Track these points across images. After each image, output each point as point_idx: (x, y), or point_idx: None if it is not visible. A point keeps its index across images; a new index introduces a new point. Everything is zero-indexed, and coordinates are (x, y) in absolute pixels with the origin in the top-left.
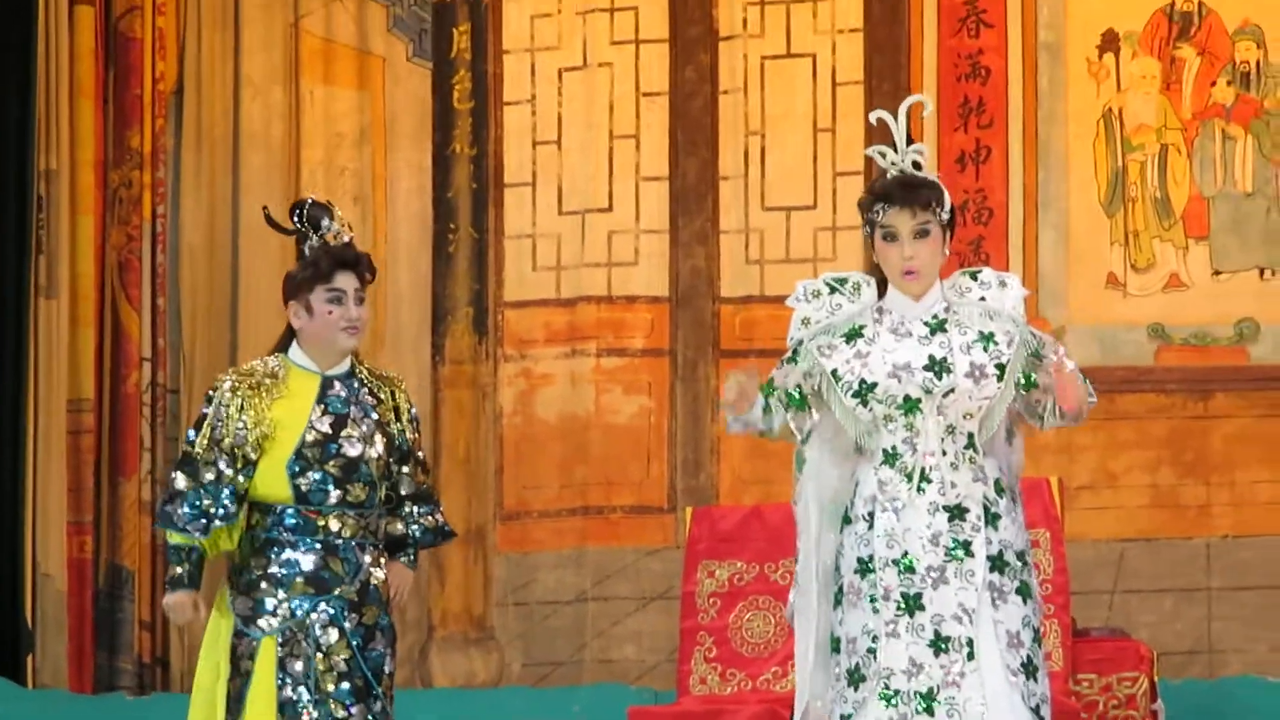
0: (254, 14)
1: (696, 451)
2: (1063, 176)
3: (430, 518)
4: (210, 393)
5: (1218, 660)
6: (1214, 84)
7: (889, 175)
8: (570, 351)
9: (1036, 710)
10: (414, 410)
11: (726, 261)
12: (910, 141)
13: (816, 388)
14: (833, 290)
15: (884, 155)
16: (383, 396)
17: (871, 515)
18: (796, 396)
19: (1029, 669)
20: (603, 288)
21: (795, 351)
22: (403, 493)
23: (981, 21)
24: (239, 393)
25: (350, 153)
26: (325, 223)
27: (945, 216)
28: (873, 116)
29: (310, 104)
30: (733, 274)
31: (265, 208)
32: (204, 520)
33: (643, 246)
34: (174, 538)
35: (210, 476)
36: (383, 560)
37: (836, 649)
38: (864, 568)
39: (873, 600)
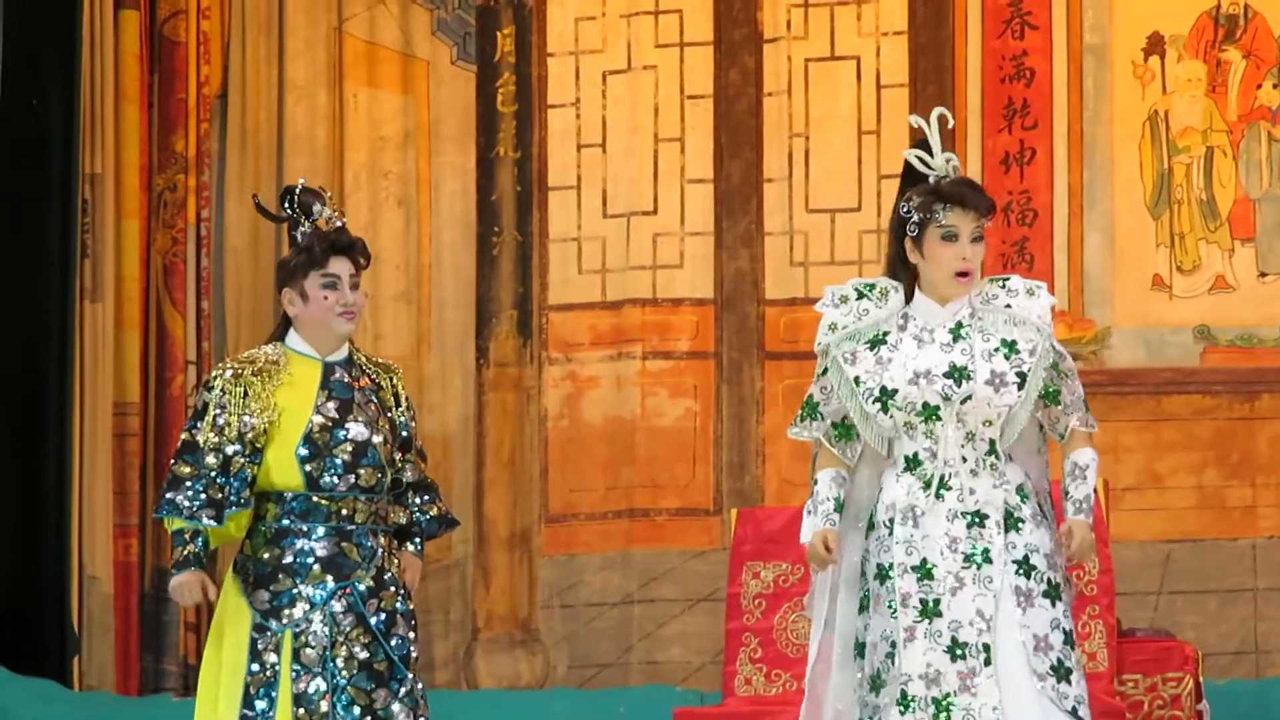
0: (297, 18)
1: (742, 454)
2: (1108, 178)
3: (434, 506)
4: (210, 380)
5: (1264, 660)
6: (1259, 86)
7: (937, 178)
8: (616, 354)
9: (1074, 712)
10: (409, 399)
11: (771, 264)
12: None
13: (840, 396)
14: (860, 295)
15: (923, 161)
16: (382, 383)
17: (892, 522)
18: (842, 427)
19: (1060, 671)
20: (648, 290)
21: (826, 359)
22: (406, 480)
23: (1026, 24)
24: (242, 379)
25: (394, 155)
26: (316, 208)
27: (989, 225)
28: (911, 120)
29: (354, 107)
30: (777, 276)
31: (255, 195)
32: (213, 509)
33: (687, 249)
34: (176, 524)
35: (214, 462)
36: (395, 545)
37: (861, 654)
38: (883, 574)
39: (891, 606)
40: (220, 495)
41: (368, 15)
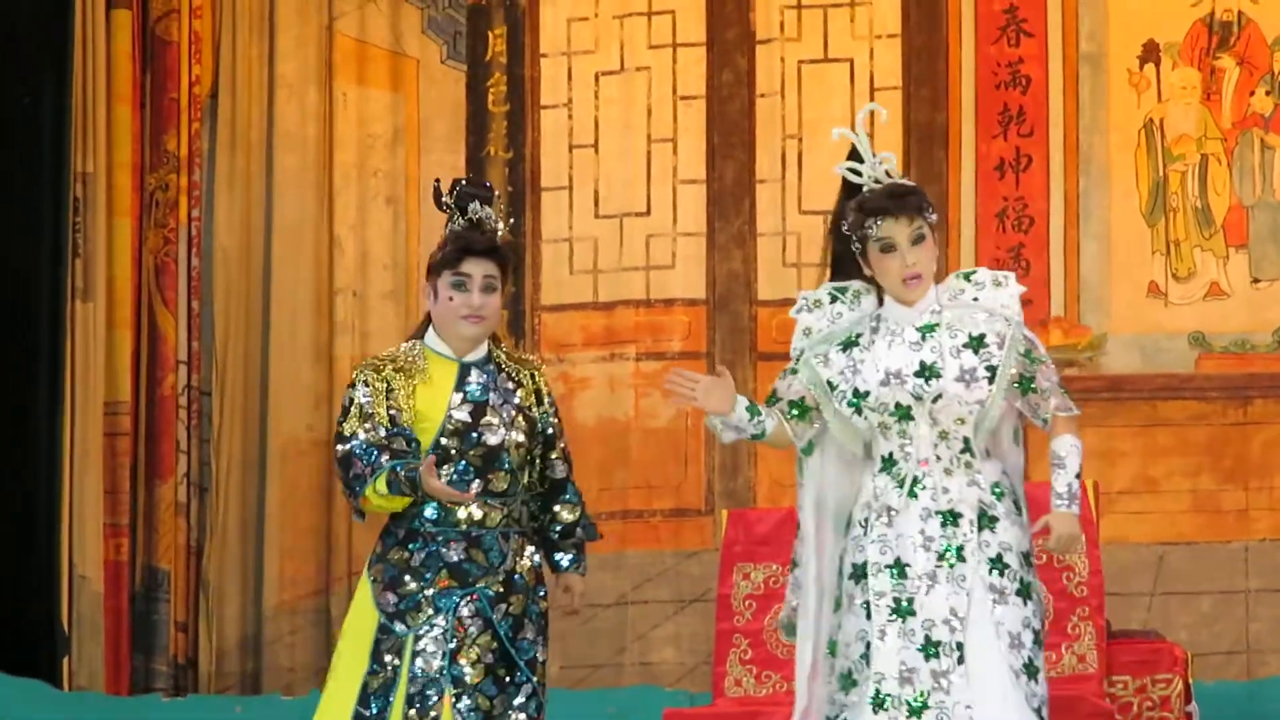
0: (289, 16)
1: (734, 455)
2: (1104, 186)
3: (586, 513)
4: (353, 378)
5: (1255, 661)
6: (1253, 93)
7: (868, 188)
8: (609, 355)
9: (1039, 711)
10: (550, 395)
11: (764, 264)
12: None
13: (815, 399)
14: (834, 299)
15: (855, 172)
16: (523, 380)
17: (867, 521)
18: (799, 407)
19: (1030, 670)
20: (640, 291)
21: (798, 361)
22: (560, 478)
23: (1022, 31)
24: (383, 374)
25: (383, 154)
26: (472, 207)
27: (934, 219)
28: (834, 133)
29: (343, 105)
30: (770, 277)
31: (437, 180)
32: (388, 452)
33: (680, 250)
34: (379, 485)
35: (370, 436)
36: (528, 546)
37: (833, 653)
38: (859, 573)
39: (866, 605)
40: (389, 448)
41: (358, 13)
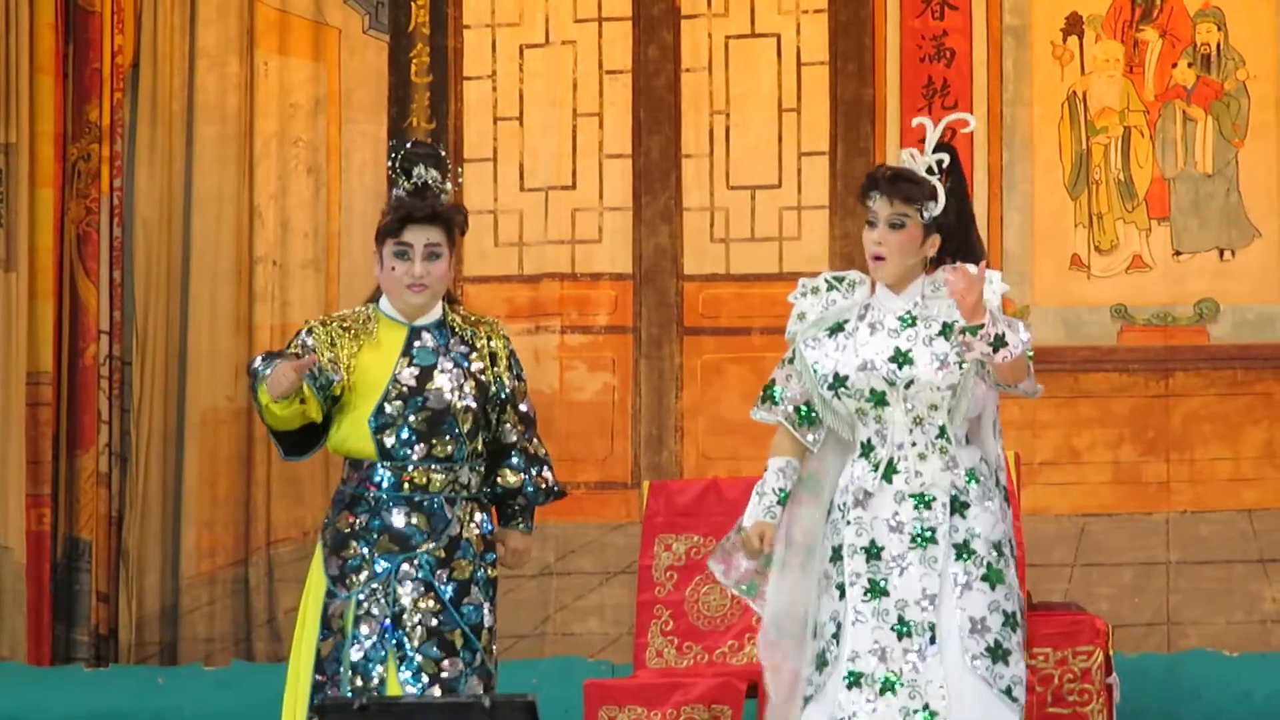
0: None
1: (660, 428)
2: (1028, 159)
3: (540, 477)
4: (301, 328)
5: (1176, 633)
6: (1175, 66)
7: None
8: (534, 328)
9: (1008, 692)
10: (515, 355)
11: (691, 239)
12: (941, 148)
13: (808, 394)
14: (830, 287)
15: (913, 157)
16: (478, 344)
17: (845, 506)
18: (805, 413)
19: (996, 653)
20: (566, 265)
21: (793, 348)
22: (509, 442)
23: (946, 4)
24: (330, 329)
25: (304, 123)
26: (417, 171)
27: (928, 217)
28: (915, 121)
29: (264, 75)
30: (697, 252)
31: (394, 140)
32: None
33: (606, 224)
34: (262, 389)
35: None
36: (477, 512)
37: (815, 634)
38: (835, 555)
39: (840, 587)
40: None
41: None
